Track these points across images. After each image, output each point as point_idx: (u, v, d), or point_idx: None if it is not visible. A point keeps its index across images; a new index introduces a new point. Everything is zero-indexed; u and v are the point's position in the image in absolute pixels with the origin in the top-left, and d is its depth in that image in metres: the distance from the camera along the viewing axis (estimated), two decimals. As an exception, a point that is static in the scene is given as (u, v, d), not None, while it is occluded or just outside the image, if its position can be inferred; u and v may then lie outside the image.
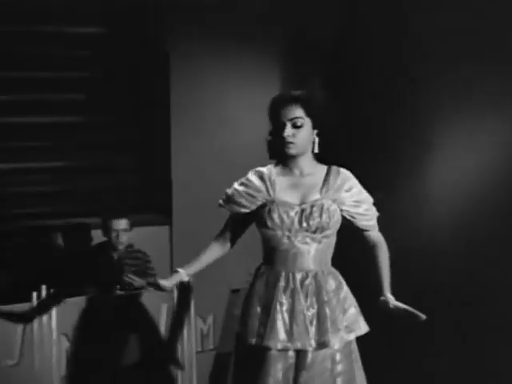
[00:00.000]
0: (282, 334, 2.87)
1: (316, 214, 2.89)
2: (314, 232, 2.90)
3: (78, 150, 5.38)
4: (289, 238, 2.92)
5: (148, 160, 5.51)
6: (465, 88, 4.37)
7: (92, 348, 4.27)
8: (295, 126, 2.89)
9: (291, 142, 2.90)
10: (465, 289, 4.34)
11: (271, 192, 2.96)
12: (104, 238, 4.87)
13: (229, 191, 3.07)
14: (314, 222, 2.89)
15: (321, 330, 2.87)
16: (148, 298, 4.38)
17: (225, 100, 5.35)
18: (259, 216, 2.96)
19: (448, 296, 4.42)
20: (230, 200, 3.06)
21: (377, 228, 3.07)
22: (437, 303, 4.38)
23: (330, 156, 3.08)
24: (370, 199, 3.04)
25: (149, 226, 5.24)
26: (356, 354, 2.99)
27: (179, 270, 3.10)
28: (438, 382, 4.44)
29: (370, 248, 3.07)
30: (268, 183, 2.98)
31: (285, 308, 2.89)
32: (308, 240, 2.91)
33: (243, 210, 3.02)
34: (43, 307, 4.04)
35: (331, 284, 2.94)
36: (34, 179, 5.30)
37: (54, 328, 4.07)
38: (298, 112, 2.90)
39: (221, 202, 3.10)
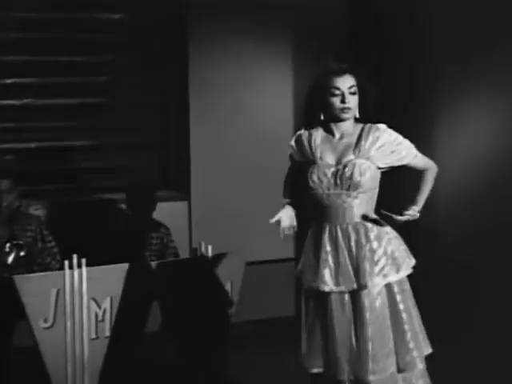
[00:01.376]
0: (327, 278, 3.17)
1: (347, 174, 3.15)
2: (348, 189, 3.16)
3: (104, 130, 5.63)
4: (328, 195, 3.20)
5: (168, 141, 5.74)
6: (473, 72, 4.54)
7: (118, 313, 4.49)
8: (351, 93, 3.18)
9: (349, 108, 3.18)
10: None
11: (314, 153, 3.24)
12: (128, 212, 5.11)
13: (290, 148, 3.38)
14: (345, 181, 3.16)
15: (361, 273, 3.14)
16: (170, 267, 4.58)
17: (240, 83, 5.56)
18: (304, 176, 3.26)
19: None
20: (291, 157, 3.37)
21: (419, 157, 3.25)
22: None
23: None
24: (405, 144, 3.23)
25: (169, 201, 5.48)
26: (409, 292, 3.22)
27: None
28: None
29: (419, 172, 3.29)
30: (313, 145, 3.25)
31: (330, 256, 3.19)
32: (344, 197, 3.18)
33: (297, 164, 3.34)
34: (74, 274, 4.28)
35: (373, 230, 3.19)
36: (62, 157, 5.56)
37: (85, 293, 4.27)
38: (352, 81, 3.19)
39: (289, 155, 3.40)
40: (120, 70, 5.66)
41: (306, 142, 3.28)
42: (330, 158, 3.22)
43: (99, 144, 5.65)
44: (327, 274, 3.18)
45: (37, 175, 5.47)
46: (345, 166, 3.17)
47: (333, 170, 3.19)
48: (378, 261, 3.17)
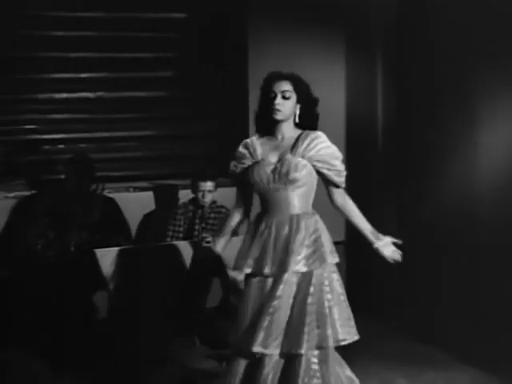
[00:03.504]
0: (251, 262, 3.44)
1: (284, 170, 3.42)
2: (286, 184, 3.44)
3: (169, 121, 6.04)
4: (268, 190, 3.46)
5: (228, 130, 6.07)
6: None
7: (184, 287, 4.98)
8: (284, 98, 3.47)
9: (279, 110, 3.44)
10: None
11: (254, 155, 3.51)
12: (191, 196, 5.47)
13: (230, 168, 3.62)
14: (283, 177, 3.41)
15: (283, 261, 3.40)
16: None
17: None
18: (247, 176, 3.52)
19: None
20: (231, 175, 3.63)
21: (343, 185, 3.50)
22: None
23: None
24: (338, 154, 3.47)
25: (229, 187, 5.84)
26: (330, 280, 3.43)
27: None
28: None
29: (340, 207, 3.55)
30: (251, 149, 3.53)
31: (259, 244, 3.45)
32: (282, 191, 3.44)
33: (238, 178, 3.59)
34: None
35: (305, 222, 3.42)
36: (135, 146, 6.03)
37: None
38: (287, 86, 3.47)
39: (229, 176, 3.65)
40: (184, 65, 6.04)
41: (243, 149, 3.54)
42: (271, 157, 3.49)
43: (165, 134, 6.03)
44: (251, 259, 3.45)
45: (108, 162, 5.90)
46: (282, 164, 3.45)
47: (272, 167, 3.46)
48: (301, 250, 3.39)
